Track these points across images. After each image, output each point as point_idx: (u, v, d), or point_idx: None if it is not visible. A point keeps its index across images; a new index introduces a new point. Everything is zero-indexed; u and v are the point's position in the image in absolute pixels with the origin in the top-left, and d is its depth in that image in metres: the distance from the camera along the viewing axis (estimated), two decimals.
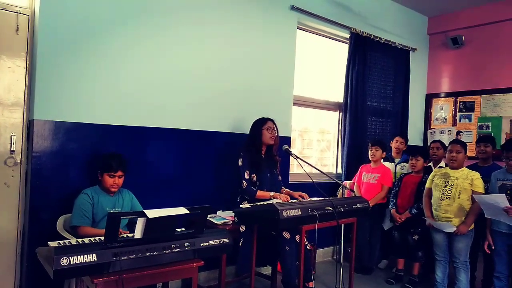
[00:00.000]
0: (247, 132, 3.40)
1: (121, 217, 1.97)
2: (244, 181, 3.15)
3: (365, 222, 3.97)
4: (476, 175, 3.23)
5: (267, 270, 3.68)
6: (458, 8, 5.20)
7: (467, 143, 3.64)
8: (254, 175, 3.20)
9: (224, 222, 3.13)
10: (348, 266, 3.41)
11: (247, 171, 3.18)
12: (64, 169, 2.78)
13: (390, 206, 3.89)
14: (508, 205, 2.91)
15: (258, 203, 2.98)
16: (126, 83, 3.03)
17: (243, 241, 3.05)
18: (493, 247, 3.16)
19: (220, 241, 2.20)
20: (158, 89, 3.19)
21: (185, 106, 3.34)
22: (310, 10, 4.15)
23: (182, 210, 2.04)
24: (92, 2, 2.85)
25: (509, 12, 4.86)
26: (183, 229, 2.24)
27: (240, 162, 3.19)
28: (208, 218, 3.12)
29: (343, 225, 3.13)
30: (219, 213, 3.35)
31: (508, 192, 3.07)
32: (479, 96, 5.18)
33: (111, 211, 2.58)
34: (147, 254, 1.93)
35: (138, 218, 1.94)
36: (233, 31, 3.62)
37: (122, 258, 1.86)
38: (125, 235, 2.21)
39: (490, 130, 5.03)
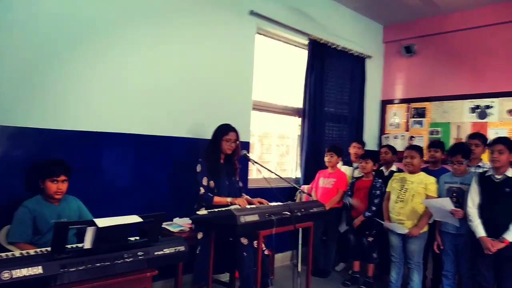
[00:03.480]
0: (205, 137, 3.36)
1: (69, 227, 1.88)
2: (201, 188, 3.10)
3: (319, 225, 4.03)
4: (431, 179, 3.34)
5: (225, 277, 3.65)
6: (412, 18, 5.43)
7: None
8: (212, 181, 3.16)
9: (181, 230, 3.08)
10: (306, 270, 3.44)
11: (205, 177, 3.13)
12: (5, 176, 2.62)
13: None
14: (453, 208, 3.07)
15: (216, 210, 2.95)
16: (74, 85, 2.90)
17: (201, 248, 3.01)
18: (441, 247, 3.32)
19: (175, 249, 2.15)
20: (111, 92, 3.09)
21: (140, 110, 3.26)
22: (269, 16, 4.18)
23: (135, 219, 1.98)
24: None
25: (456, 23, 5.14)
26: (137, 238, 2.18)
27: (199, 168, 3.15)
28: (164, 226, 3.06)
29: (300, 229, 3.16)
30: (176, 220, 3.29)
31: (454, 194, 3.23)
32: (429, 103, 5.43)
33: None
34: (98, 264, 1.85)
35: (87, 228, 1.87)
36: (191, 35, 3.58)
37: (71, 269, 1.77)
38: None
39: (440, 136, 5.28)
